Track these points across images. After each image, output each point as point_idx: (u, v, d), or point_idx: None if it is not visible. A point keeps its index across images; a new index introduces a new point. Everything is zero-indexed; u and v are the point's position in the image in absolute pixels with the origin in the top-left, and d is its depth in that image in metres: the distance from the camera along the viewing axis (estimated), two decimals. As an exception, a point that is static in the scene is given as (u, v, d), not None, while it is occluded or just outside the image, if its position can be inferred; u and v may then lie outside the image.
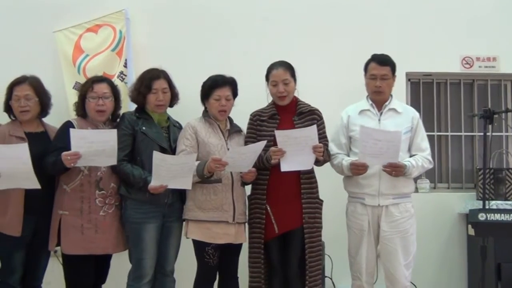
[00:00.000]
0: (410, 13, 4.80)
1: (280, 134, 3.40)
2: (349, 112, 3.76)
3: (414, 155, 3.65)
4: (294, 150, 3.39)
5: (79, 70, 4.43)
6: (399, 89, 4.45)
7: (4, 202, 3.38)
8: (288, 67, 3.61)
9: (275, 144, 3.44)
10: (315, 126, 3.45)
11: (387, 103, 3.70)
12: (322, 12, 4.73)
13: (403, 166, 3.51)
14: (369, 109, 3.70)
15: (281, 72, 3.58)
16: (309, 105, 3.68)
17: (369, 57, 3.73)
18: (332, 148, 3.73)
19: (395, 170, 3.49)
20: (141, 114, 3.55)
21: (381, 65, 3.64)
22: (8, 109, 3.52)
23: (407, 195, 3.67)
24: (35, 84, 3.52)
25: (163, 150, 3.42)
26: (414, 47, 4.71)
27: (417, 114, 3.77)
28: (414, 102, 4.88)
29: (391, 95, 3.74)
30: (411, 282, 3.74)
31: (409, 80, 4.91)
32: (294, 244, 3.55)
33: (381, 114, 3.68)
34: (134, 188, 3.40)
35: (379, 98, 3.68)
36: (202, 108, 3.64)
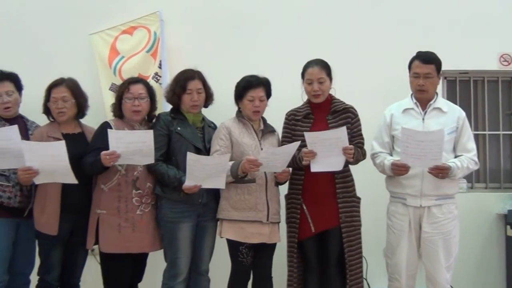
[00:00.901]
0: (447, 10, 4.73)
1: (309, 136, 3.38)
2: (392, 110, 3.70)
3: (459, 155, 3.56)
4: (325, 152, 3.37)
5: (115, 72, 4.48)
6: (435, 87, 4.42)
7: (41, 202, 3.46)
8: (324, 66, 3.58)
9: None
10: (344, 127, 3.43)
11: (432, 101, 3.63)
12: (360, 9, 4.69)
13: (448, 168, 3.42)
14: (413, 108, 3.64)
15: (316, 71, 3.56)
16: (344, 103, 3.65)
17: (409, 54, 3.68)
18: (375, 146, 3.69)
19: (441, 172, 3.41)
20: (176, 114, 3.58)
21: (424, 63, 3.57)
22: (46, 111, 3.60)
23: (450, 196, 3.59)
24: (72, 86, 3.59)
25: (197, 150, 3.45)
26: (450, 45, 4.62)
27: (463, 113, 3.67)
28: (450, 100, 4.75)
29: (437, 93, 3.67)
30: (451, 286, 3.67)
31: (445, 78, 4.83)
32: (331, 243, 3.54)
33: (425, 113, 3.61)
34: (169, 188, 3.43)
35: (422, 97, 3.61)
36: (236, 108, 3.65)
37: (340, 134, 3.39)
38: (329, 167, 3.43)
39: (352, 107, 3.65)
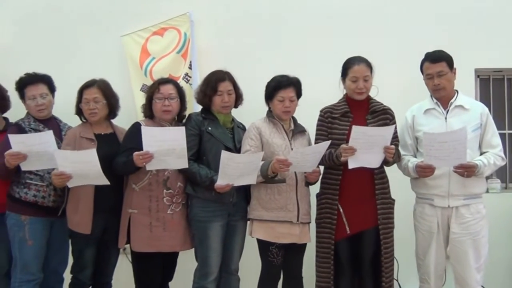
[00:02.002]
0: (479, 7, 4.63)
1: (356, 130, 3.31)
2: (414, 112, 3.67)
3: (485, 152, 3.52)
4: (365, 148, 3.33)
5: (146, 73, 4.51)
6: (468, 86, 4.34)
7: (75, 202, 3.51)
8: (369, 64, 3.55)
9: (348, 142, 3.38)
10: (393, 126, 3.41)
11: (452, 100, 3.58)
12: (385, 8, 4.64)
13: (474, 166, 3.38)
14: (434, 108, 3.60)
15: (363, 68, 3.52)
16: (382, 104, 3.62)
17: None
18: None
19: (467, 170, 3.36)
20: (207, 115, 3.60)
21: (434, 62, 3.54)
22: (79, 111, 3.65)
23: (478, 196, 3.54)
24: (103, 87, 3.63)
25: (228, 150, 3.43)
26: (483, 42, 4.54)
27: (486, 109, 3.62)
28: (484, 99, 4.71)
29: (457, 91, 3.62)
30: (482, 286, 3.61)
31: (478, 76, 4.75)
32: (367, 244, 3.51)
33: (447, 112, 3.57)
34: (200, 187, 3.45)
35: (441, 95, 3.57)
36: (267, 108, 3.65)
37: (386, 133, 3.37)
38: (367, 164, 3.40)
39: (390, 109, 3.62)
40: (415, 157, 3.62)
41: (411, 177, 3.64)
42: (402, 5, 4.64)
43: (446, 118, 3.55)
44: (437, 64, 3.53)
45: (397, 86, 4.37)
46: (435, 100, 3.61)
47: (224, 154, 3.24)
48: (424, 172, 3.44)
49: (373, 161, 3.40)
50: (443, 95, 3.57)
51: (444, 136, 3.36)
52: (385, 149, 3.37)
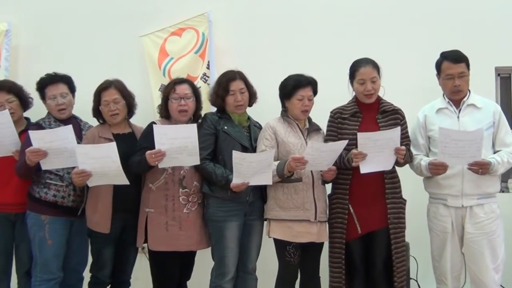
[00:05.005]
0: (498, 4, 4.57)
1: (362, 137, 3.31)
2: (426, 111, 3.64)
3: (498, 151, 3.48)
4: (375, 152, 3.32)
5: (164, 73, 4.54)
6: (488, 84, 4.29)
7: (93, 201, 3.54)
8: (375, 65, 3.53)
9: (357, 142, 3.38)
10: (399, 128, 3.38)
11: (465, 99, 3.55)
12: (399, 8, 4.59)
13: (488, 163, 3.35)
14: (447, 107, 3.57)
15: (369, 70, 3.50)
16: (392, 104, 3.60)
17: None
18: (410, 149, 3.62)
19: (482, 168, 3.33)
20: (222, 114, 3.61)
21: (456, 63, 3.49)
22: (96, 113, 3.67)
23: (492, 195, 3.50)
24: (120, 87, 3.65)
25: (244, 149, 3.47)
26: (503, 40, 4.47)
27: (498, 107, 3.59)
28: (504, 98, 4.64)
29: (469, 90, 3.58)
30: (501, 286, 3.57)
31: (498, 75, 4.67)
32: (378, 244, 3.49)
33: (459, 111, 3.53)
34: (216, 186, 3.46)
35: (460, 97, 3.53)
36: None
37: (393, 135, 3.35)
38: (379, 167, 3.39)
39: (400, 109, 3.60)
40: (428, 156, 3.59)
41: (424, 176, 3.61)
42: (419, 4, 4.59)
43: (458, 117, 3.52)
44: (459, 64, 3.49)
45: (416, 86, 4.33)
46: (447, 99, 3.58)
47: (235, 154, 3.26)
48: (436, 169, 3.41)
49: (385, 163, 3.39)
50: (462, 97, 3.54)
51: (459, 134, 3.34)
52: (396, 151, 3.35)
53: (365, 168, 3.35)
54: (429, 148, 3.62)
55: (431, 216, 3.61)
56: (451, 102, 3.56)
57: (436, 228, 3.57)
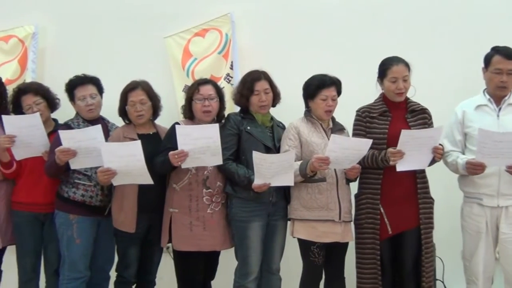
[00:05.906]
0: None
1: (405, 134, 3.27)
2: (464, 107, 3.57)
3: None
4: (413, 150, 3.29)
5: (188, 74, 4.56)
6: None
7: (119, 201, 3.58)
8: (407, 64, 3.50)
9: (389, 141, 3.37)
10: (442, 127, 3.37)
11: (506, 97, 3.48)
12: (426, 7, 4.52)
13: None
14: (487, 104, 3.50)
15: (402, 69, 3.47)
16: (419, 104, 3.57)
17: (484, 49, 3.53)
18: (446, 145, 3.56)
19: None
20: (245, 114, 3.62)
21: (508, 59, 3.41)
22: (122, 113, 3.71)
23: None
24: (147, 89, 3.68)
25: (267, 149, 3.47)
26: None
27: None
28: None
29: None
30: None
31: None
32: (409, 244, 3.46)
33: (499, 109, 3.47)
34: (239, 187, 3.47)
35: (505, 94, 3.47)
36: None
37: (435, 134, 3.33)
38: (415, 166, 3.36)
39: (427, 109, 3.58)
40: (463, 153, 3.53)
41: (459, 174, 3.56)
42: (448, 3, 4.51)
43: (498, 116, 3.46)
44: (510, 61, 3.41)
45: (437, 84, 4.26)
46: (488, 97, 3.51)
47: (255, 155, 3.25)
48: (474, 169, 3.35)
49: (421, 162, 3.37)
50: (505, 94, 3.48)
51: (500, 136, 3.26)
52: (434, 150, 3.33)
53: (401, 166, 3.32)
54: (465, 144, 3.56)
55: (465, 215, 3.55)
56: (492, 100, 3.50)
57: (469, 227, 3.51)
